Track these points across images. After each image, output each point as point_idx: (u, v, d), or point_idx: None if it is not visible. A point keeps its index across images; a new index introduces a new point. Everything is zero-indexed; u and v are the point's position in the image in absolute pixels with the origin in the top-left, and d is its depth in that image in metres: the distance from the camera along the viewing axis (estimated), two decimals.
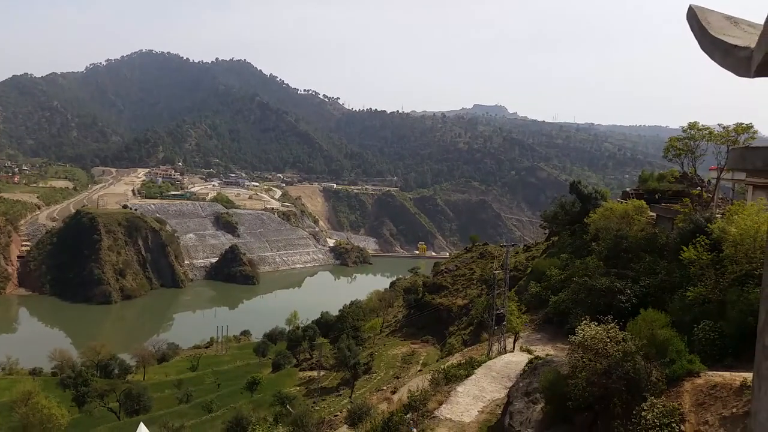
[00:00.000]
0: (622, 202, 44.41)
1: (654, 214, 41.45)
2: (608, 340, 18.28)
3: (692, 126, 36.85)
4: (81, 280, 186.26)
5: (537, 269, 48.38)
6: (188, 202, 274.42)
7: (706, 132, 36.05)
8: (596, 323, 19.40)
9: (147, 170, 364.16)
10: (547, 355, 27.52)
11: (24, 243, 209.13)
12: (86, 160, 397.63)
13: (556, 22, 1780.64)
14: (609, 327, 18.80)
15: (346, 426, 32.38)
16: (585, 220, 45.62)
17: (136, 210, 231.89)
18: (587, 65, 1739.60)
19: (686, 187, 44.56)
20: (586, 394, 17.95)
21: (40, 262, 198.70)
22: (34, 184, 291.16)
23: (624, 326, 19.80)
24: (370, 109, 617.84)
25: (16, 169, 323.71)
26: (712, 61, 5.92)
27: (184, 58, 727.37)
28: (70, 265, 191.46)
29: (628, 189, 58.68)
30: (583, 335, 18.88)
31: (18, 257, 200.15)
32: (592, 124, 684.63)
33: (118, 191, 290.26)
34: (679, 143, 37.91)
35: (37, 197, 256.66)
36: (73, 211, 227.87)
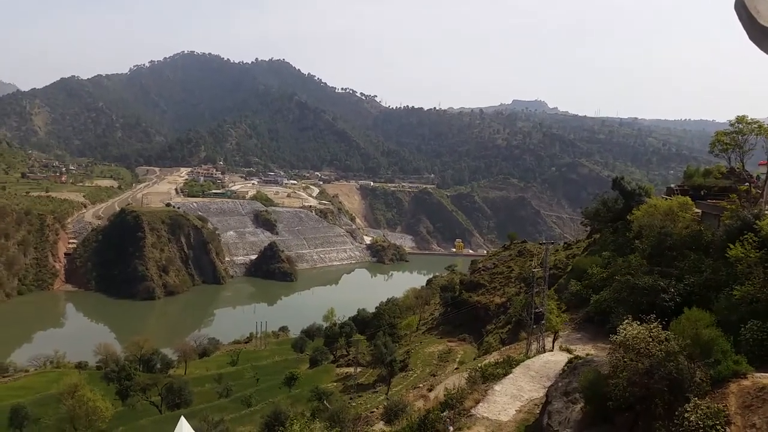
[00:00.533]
0: (666, 199, 43.24)
1: (699, 210, 40.18)
2: (650, 339, 17.85)
3: (740, 120, 35.56)
4: (125, 277, 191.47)
5: (578, 267, 47.51)
6: (229, 200, 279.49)
7: (756, 126, 34.76)
8: (638, 322, 18.97)
9: (189, 169, 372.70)
10: (587, 354, 27.02)
11: (71, 240, 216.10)
12: (131, 160, 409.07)
13: (598, 12, 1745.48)
14: (651, 326, 18.35)
15: (382, 423, 32.44)
16: (628, 217, 44.59)
17: (178, 208, 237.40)
18: (631, 58, 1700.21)
19: (733, 183, 43.05)
20: (627, 394, 17.57)
21: (86, 259, 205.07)
22: (81, 184, 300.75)
23: (667, 326, 19.30)
24: (407, 106, 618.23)
25: (64, 169, 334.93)
26: (762, 52, 5.68)
27: (225, 59, 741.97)
28: (115, 262, 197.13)
29: (672, 185, 57.08)
30: (625, 334, 18.49)
31: (65, 254, 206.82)
32: (636, 118, 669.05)
33: (161, 190, 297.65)
34: (726, 137, 36.64)
35: (84, 196, 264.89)
36: (118, 209, 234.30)
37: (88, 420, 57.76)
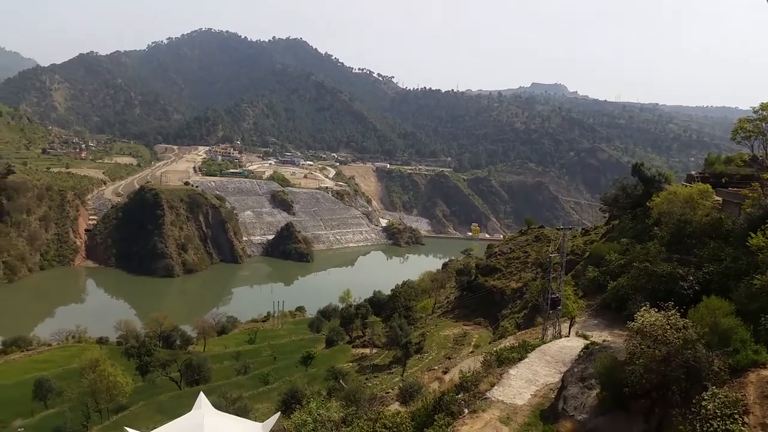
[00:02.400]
0: (686, 186, 42.81)
1: (720, 198, 39.79)
2: (668, 326, 17.87)
3: (764, 107, 34.90)
4: (145, 254, 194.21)
5: (595, 253, 47.36)
6: (246, 180, 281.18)
7: None
8: (656, 309, 19.01)
9: (207, 148, 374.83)
10: (603, 341, 27.09)
11: (91, 217, 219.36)
12: (149, 138, 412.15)
13: None
14: (669, 314, 18.38)
15: (397, 403, 32.86)
16: (647, 203, 44.29)
17: (197, 187, 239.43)
18: (654, 43, 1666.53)
19: (756, 171, 42.39)
20: (643, 381, 17.67)
21: (106, 236, 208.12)
22: (100, 160, 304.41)
23: (685, 313, 19.30)
24: (425, 88, 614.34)
25: (83, 146, 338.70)
26: None
27: (242, 36, 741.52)
28: (134, 239, 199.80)
29: (693, 172, 56.44)
30: (642, 321, 18.53)
31: (85, 230, 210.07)
32: (657, 104, 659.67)
33: (179, 168, 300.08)
34: (749, 125, 36.04)
35: (103, 173, 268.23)
36: (137, 186, 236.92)
37: (109, 394, 59.28)
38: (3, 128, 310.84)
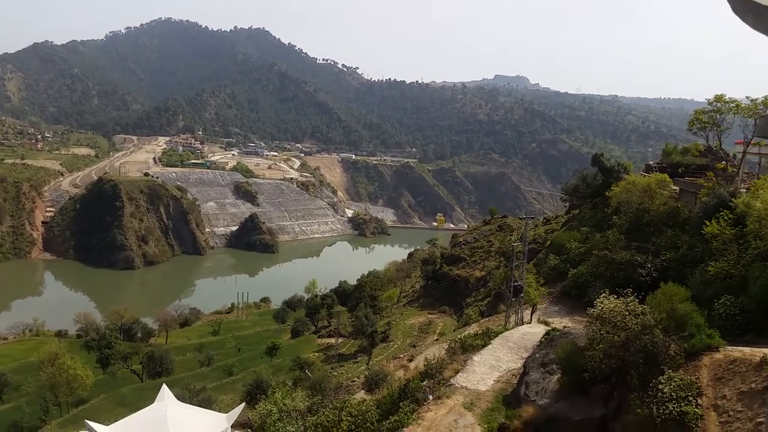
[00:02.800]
0: (644, 176, 43.84)
1: (677, 188, 40.89)
2: (627, 313, 18.34)
3: (718, 99, 36.03)
4: (104, 246, 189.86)
5: (556, 242, 48.20)
6: (208, 171, 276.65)
7: (733, 105, 35.25)
8: (615, 296, 19.44)
9: (168, 139, 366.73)
10: (564, 327, 27.63)
11: (48, 209, 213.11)
12: (107, 128, 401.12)
13: None
14: (628, 300, 18.84)
15: (363, 391, 32.98)
16: (606, 193, 45.18)
17: (157, 178, 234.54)
18: (612, 35, 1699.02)
19: (711, 161, 43.84)
20: (603, 366, 18.10)
21: (64, 228, 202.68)
22: (57, 152, 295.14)
23: (643, 300, 19.81)
24: (390, 79, 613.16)
25: (39, 137, 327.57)
26: (743, 28, 5.82)
27: (203, 26, 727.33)
28: (93, 231, 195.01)
29: (651, 162, 57.80)
30: (602, 308, 18.96)
31: (42, 222, 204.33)
32: (616, 96, 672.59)
33: (139, 159, 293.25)
34: (704, 116, 37.17)
35: (60, 164, 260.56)
36: (95, 178, 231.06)
37: (69, 387, 58.05)
38: None
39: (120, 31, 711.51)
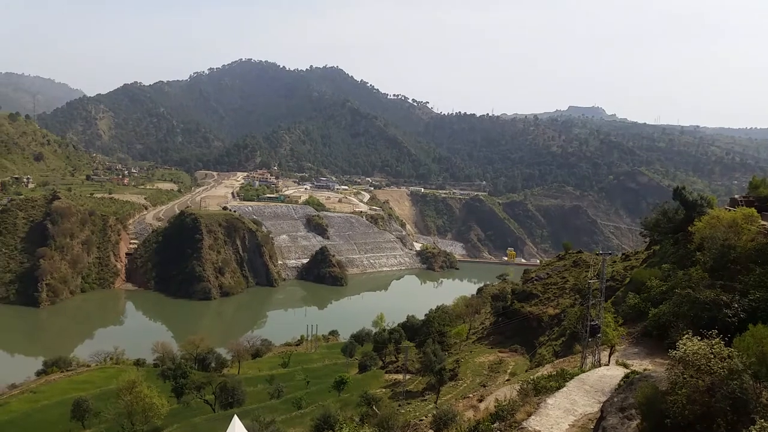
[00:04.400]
0: (730, 210, 41.59)
1: (766, 223, 38.48)
2: (712, 356, 17.25)
3: None
4: (183, 277, 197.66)
5: (636, 279, 46.19)
6: (282, 204, 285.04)
7: None
8: (699, 338, 18.37)
9: (245, 174, 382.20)
10: (644, 369, 26.23)
11: (132, 241, 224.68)
12: (190, 164, 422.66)
13: (656, 15, 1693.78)
14: (713, 342, 17.74)
15: (431, 431, 32.29)
16: (689, 228, 43.06)
17: (234, 211, 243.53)
18: (694, 62, 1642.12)
19: None
20: (686, 412, 17.02)
21: (146, 259, 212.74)
22: (142, 186, 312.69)
23: (730, 342, 18.61)
24: (459, 112, 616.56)
25: (126, 172, 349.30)
26: None
27: (281, 66, 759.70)
28: (173, 263, 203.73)
29: (736, 196, 54.74)
30: (685, 350, 17.92)
31: (126, 254, 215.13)
32: (698, 126, 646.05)
33: (219, 193, 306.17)
34: None
35: (145, 198, 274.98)
36: (177, 211, 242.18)
37: (145, 416, 59.85)
38: (50, 156, 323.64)
39: (204, 72, 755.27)
